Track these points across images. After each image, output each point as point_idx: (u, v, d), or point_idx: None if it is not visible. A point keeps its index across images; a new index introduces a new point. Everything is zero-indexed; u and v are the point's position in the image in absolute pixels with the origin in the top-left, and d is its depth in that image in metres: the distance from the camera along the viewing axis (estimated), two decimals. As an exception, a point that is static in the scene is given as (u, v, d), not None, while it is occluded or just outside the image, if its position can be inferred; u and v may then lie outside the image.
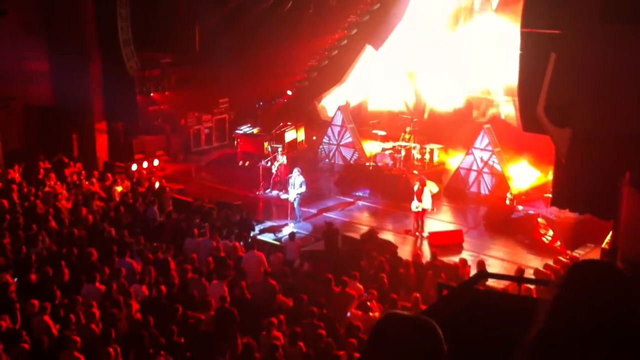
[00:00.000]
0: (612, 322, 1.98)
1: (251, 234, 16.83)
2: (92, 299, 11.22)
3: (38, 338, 9.83)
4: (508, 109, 22.74)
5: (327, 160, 23.52)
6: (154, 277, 12.67)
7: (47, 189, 17.40)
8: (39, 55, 20.74)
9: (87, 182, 18.50)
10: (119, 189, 18.34)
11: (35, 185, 17.63)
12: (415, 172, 20.75)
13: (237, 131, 24.63)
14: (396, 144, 21.85)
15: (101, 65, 20.96)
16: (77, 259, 13.28)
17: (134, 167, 21.22)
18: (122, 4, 20.01)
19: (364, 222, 18.64)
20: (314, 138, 25.00)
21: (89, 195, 17.33)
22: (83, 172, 19.28)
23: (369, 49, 25.50)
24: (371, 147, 22.85)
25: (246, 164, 22.92)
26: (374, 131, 22.82)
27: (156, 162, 22.29)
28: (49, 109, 21.02)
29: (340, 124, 23.36)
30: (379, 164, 21.48)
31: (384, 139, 22.42)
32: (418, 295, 11.95)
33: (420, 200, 17.41)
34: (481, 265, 13.78)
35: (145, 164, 21.76)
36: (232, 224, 16.67)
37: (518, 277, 11.65)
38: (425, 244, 17.27)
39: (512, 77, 12.06)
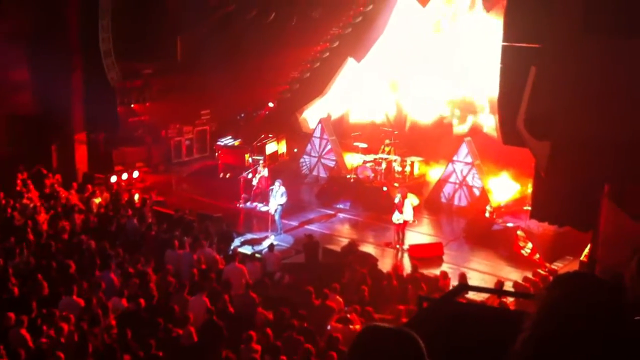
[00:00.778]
0: (596, 330, 2.00)
1: (231, 246, 16.77)
2: (70, 312, 11.09)
3: (14, 351, 9.69)
4: (489, 122, 22.90)
5: (311, 174, 23.45)
6: (134, 289, 12.56)
7: (25, 200, 17.22)
8: (20, 65, 20.57)
9: (66, 194, 18.32)
10: (97, 200, 18.19)
11: (13, 197, 17.42)
12: (396, 184, 20.81)
13: (218, 143, 24.56)
14: (377, 156, 21.93)
15: (82, 76, 20.84)
16: (55, 271, 13.13)
17: (114, 178, 21.06)
18: (104, 14, 19.95)
19: (344, 234, 18.62)
20: (296, 150, 24.99)
21: (68, 207, 17.17)
22: (56, 183, 19.07)
23: (350, 61, 25.60)
24: (352, 160, 22.89)
25: (227, 176, 22.84)
26: (355, 143, 22.89)
27: (136, 174, 22.13)
28: (29, 119, 20.82)
29: (321, 136, 23.38)
30: (360, 176, 21.51)
31: (365, 151, 22.47)
32: (402, 307, 11.95)
33: (401, 213, 17.43)
34: (462, 277, 13.81)
35: (124, 176, 21.60)
36: (212, 235, 16.60)
37: (498, 290, 11.69)
38: (406, 256, 17.29)
39: (494, 87, 12.12)
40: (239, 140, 24.48)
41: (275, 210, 18.21)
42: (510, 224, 18.51)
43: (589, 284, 2.13)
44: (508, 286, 13.76)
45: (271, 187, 18.63)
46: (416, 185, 21.41)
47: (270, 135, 24.42)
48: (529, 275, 14.83)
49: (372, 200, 20.29)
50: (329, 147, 23.19)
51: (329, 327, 11.37)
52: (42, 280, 12.43)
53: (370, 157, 22.03)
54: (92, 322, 10.84)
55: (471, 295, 11.50)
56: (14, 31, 20.31)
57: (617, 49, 9.11)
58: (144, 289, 12.46)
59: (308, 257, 16.04)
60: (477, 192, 20.15)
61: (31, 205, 16.98)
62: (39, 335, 10.35)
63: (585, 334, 2.02)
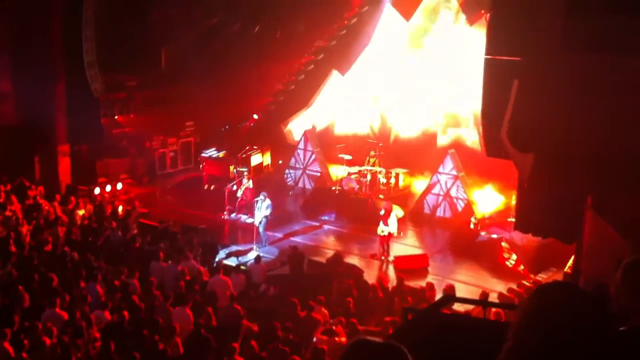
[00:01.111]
0: (580, 341, 2.01)
1: (216, 258, 16.70)
2: (54, 325, 10.98)
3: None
4: (473, 135, 23.01)
5: (296, 186, 23.46)
6: (118, 302, 12.47)
7: (7, 212, 17.06)
8: (2, 75, 20.43)
9: (48, 206, 18.17)
10: (81, 212, 18.08)
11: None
12: (381, 196, 20.85)
13: (202, 154, 24.51)
14: (362, 168, 21.97)
15: (66, 87, 20.71)
16: (37, 284, 13.01)
17: (97, 190, 20.93)
18: (88, 25, 19.88)
19: (329, 246, 18.62)
20: (280, 162, 24.99)
21: (50, 219, 17.04)
22: (39, 195, 18.91)
23: (335, 73, 25.68)
24: (337, 171, 22.91)
25: (212, 188, 22.78)
26: (340, 155, 22.92)
27: (120, 186, 22.01)
28: (12, 129, 20.65)
29: (306, 148, 23.41)
30: (345, 188, 21.53)
31: (350, 163, 22.51)
32: (387, 319, 11.94)
33: (386, 224, 17.46)
34: (450, 289, 13.80)
35: (108, 188, 21.47)
36: (196, 247, 16.53)
37: (483, 301, 11.70)
38: (391, 268, 17.30)
39: (478, 100, 12.19)
40: (224, 152, 24.45)
41: (260, 222, 18.17)
42: (494, 236, 18.60)
43: (572, 294, 2.14)
44: (493, 297, 13.80)
45: (256, 199, 18.59)
46: (401, 196, 21.46)
47: (254, 147, 24.41)
48: (514, 286, 14.87)
49: (357, 212, 20.30)
50: (313, 158, 23.22)
51: (314, 339, 11.33)
52: (24, 292, 12.31)
53: (355, 168, 22.06)
54: (76, 335, 10.75)
55: (456, 306, 11.53)
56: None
57: (594, 64, 9.23)
58: (128, 301, 12.38)
59: (293, 269, 16.01)
60: (461, 204, 20.25)
61: (13, 217, 16.83)
62: (21, 349, 10.23)
63: (569, 344, 2.03)
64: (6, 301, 12.03)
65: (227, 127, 26.44)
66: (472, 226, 19.25)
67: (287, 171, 23.86)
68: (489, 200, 20.31)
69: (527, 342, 2.07)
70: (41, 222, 16.98)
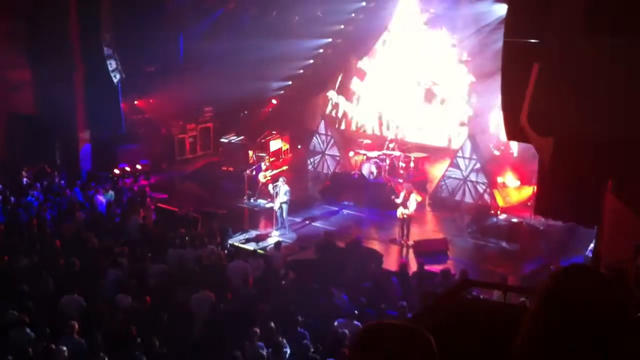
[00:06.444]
0: (597, 326, 2.00)
1: (235, 243, 16.78)
2: (74, 310, 11.12)
3: (20, 350, 9.71)
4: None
5: (313, 169, 23.48)
6: (138, 287, 12.59)
7: (29, 198, 17.25)
8: (21, 64, 20.57)
9: (70, 192, 18.35)
10: (102, 198, 18.22)
11: (18, 195, 17.46)
12: (400, 180, 20.81)
13: (221, 140, 24.57)
14: (381, 152, 21.91)
15: (85, 74, 20.81)
16: (60, 269, 13.16)
17: (117, 171, 21.09)
18: (106, 13, 19.94)
19: (349, 230, 18.60)
20: (299, 147, 24.99)
21: (71, 205, 17.20)
22: (61, 182, 19.10)
23: (353, 59, 25.56)
24: (356, 156, 22.88)
25: (231, 173, 22.84)
26: (359, 140, 22.87)
27: (139, 167, 22.14)
28: (32, 118, 20.85)
29: (325, 132, 23.39)
30: (364, 172, 21.50)
31: (368, 147, 22.45)
32: (405, 303, 11.95)
33: (405, 207, 17.42)
34: (464, 273, 13.80)
35: (128, 173, 21.61)
36: (215, 232, 16.61)
37: (503, 285, 11.67)
38: (411, 252, 17.29)
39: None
40: (243, 137, 24.49)
41: (280, 207, 18.22)
42: (515, 219, 18.50)
43: (591, 278, 2.12)
44: (514, 281, 13.76)
45: (275, 184, 18.64)
46: (420, 181, 21.40)
47: (273, 132, 24.42)
48: (535, 269, 14.82)
49: (376, 197, 20.28)
50: (332, 143, 23.20)
51: (335, 324, 11.38)
52: (48, 277, 12.46)
53: (374, 153, 22.02)
54: (97, 320, 10.89)
55: (475, 290, 11.50)
56: (14, 30, 20.32)
57: (618, 47, 9.10)
58: (148, 286, 12.49)
59: (320, 255, 15.84)
60: (481, 188, 20.13)
61: (36, 203, 17.02)
62: (43, 333, 10.37)
63: (587, 329, 2.02)
64: (30, 287, 12.18)
65: (245, 112, 26.46)
66: (492, 210, 19.15)
67: (306, 156, 23.84)
68: (509, 183, 20.21)
69: (544, 326, 2.05)
70: (63, 208, 17.16)
